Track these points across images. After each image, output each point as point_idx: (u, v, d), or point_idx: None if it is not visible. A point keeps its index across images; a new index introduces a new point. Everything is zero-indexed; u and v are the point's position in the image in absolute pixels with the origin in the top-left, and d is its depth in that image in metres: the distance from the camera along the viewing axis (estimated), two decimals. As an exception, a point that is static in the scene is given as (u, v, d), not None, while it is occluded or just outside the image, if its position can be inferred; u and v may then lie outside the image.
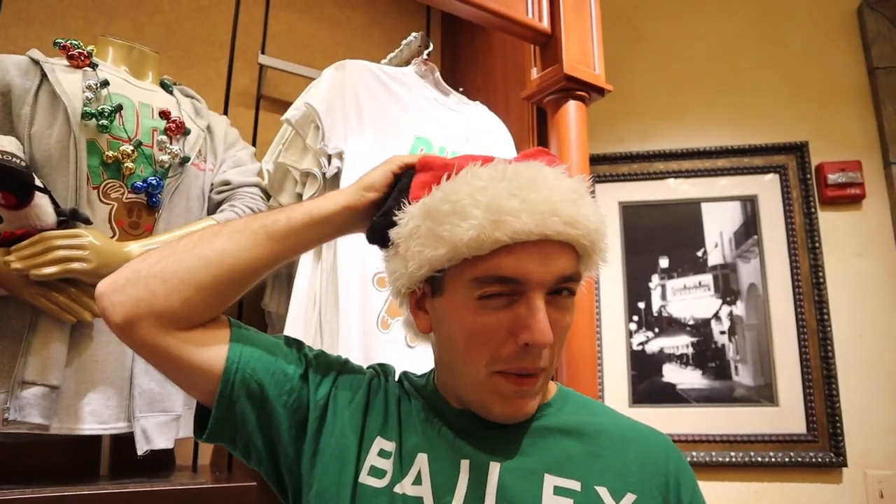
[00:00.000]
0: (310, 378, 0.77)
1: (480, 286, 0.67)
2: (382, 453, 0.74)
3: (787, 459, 1.88)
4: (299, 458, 0.75)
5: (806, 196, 2.05)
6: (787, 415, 1.92)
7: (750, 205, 2.07)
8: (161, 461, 1.33)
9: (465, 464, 0.71)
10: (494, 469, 0.70)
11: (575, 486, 0.69)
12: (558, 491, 0.69)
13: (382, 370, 0.86)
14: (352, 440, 0.75)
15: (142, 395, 1.20)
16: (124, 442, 1.23)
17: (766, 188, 2.09)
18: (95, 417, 1.16)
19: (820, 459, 1.88)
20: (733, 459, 1.88)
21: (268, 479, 0.78)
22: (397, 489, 0.71)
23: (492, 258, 0.65)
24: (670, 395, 1.94)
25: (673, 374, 1.96)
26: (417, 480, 0.71)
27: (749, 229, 2.06)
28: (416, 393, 0.81)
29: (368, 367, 0.86)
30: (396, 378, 0.86)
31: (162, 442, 1.22)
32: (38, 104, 1.18)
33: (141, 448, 1.18)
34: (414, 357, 1.34)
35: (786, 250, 2.04)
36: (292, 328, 1.33)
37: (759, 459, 1.88)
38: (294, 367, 0.76)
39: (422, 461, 0.72)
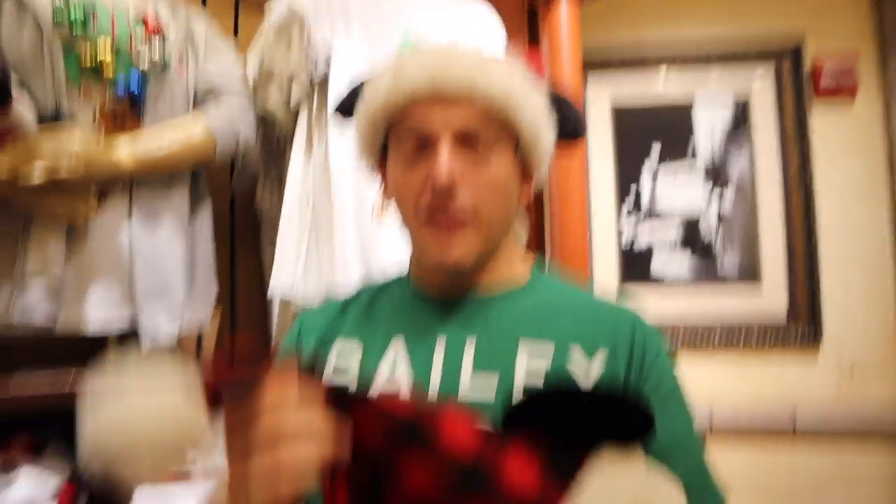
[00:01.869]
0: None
1: (399, 144, 0.77)
2: (342, 353, 0.80)
3: (766, 337, 1.97)
4: None
5: (798, 90, 2.02)
6: (770, 298, 1.98)
7: (742, 99, 2.05)
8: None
9: (441, 339, 0.77)
10: (470, 341, 0.75)
11: (548, 346, 0.74)
12: (533, 352, 0.74)
13: (314, 311, 0.89)
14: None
15: (143, 286, 1.24)
16: (128, 338, 1.28)
17: (760, 82, 2.06)
18: (98, 313, 1.20)
19: (800, 337, 1.96)
20: (718, 339, 1.97)
21: None
22: (371, 374, 0.76)
23: (404, 118, 0.75)
24: (658, 281, 2.01)
25: (661, 256, 2.02)
26: (394, 363, 0.76)
27: (740, 124, 2.05)
28: (378, 290, 0.87)
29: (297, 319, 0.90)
30: (354, 292, 0.89)
31: (168, 327, 1.27)
32: (2, 11, 1.14)
33: (146, 340, 1.24)
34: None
35: (777, 145, 2.04)
36: (286, 227, 1.37)
37: (743, 338, 1.97)
38: None
39: (398, 343, 0.78)
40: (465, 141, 0.74)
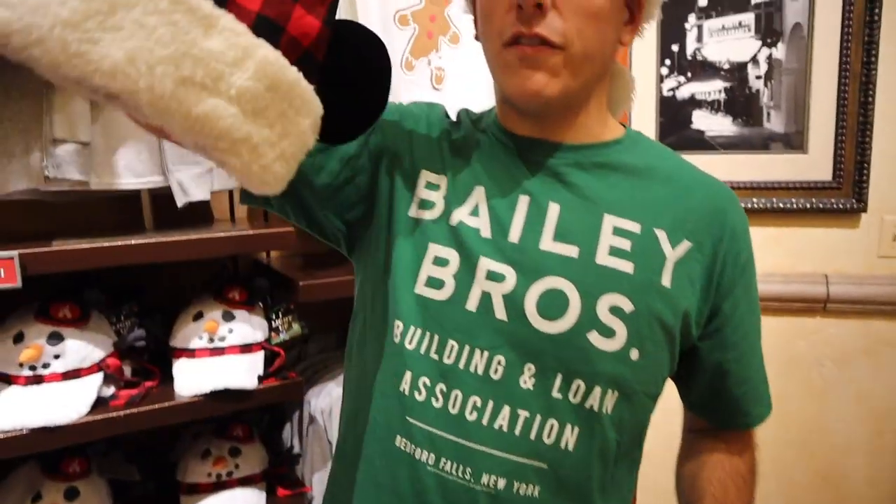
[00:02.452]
0: None
1: None
2: (430, 186, 0.75)
3: (808, 206, 1.91)
4: (349, 204, 0.78)
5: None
6: (814, 162, 1.90)
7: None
8: (199, 214, 1.39)
9: (523, 199, 0.72)
10: (554, 206, 0.71)
11: (634, 227, 0.70)
12: (617, 231, 0.70)
13: (427, 105, 0.84)
14: (397, 174, 0.76)
15: (172, 148, 1.21)
16: (162, 197, 1.27)
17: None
18: (131, 171, 1.18)
19: (842, 205, 1.90)
20: (756, 206, 1.91)
21: (310, 230, 0.82)
22: (452, 219, 0.72)
23: None
24: (698, 142, 1.91)
25: (702, 120, 1.92)
26: (474, 212, 0.72)
27: (800, -37, 1.86)
28: (472, 125, 0.80)
29: (410, 103, 0.84)
30: (455, 116, 0.83)
31: (199, 193, 1.25)
32: None
33: (180, 200, 1.22)
34: (441, 99, 1.31)
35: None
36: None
37: (782, 206, 1.91)
38: None
39: (479, 194, 0.73)
40: None
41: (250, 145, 0.51)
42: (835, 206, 1.90)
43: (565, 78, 0.67)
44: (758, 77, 1.90)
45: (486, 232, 0.71)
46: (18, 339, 1.11)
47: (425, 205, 0.75)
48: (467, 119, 0.82)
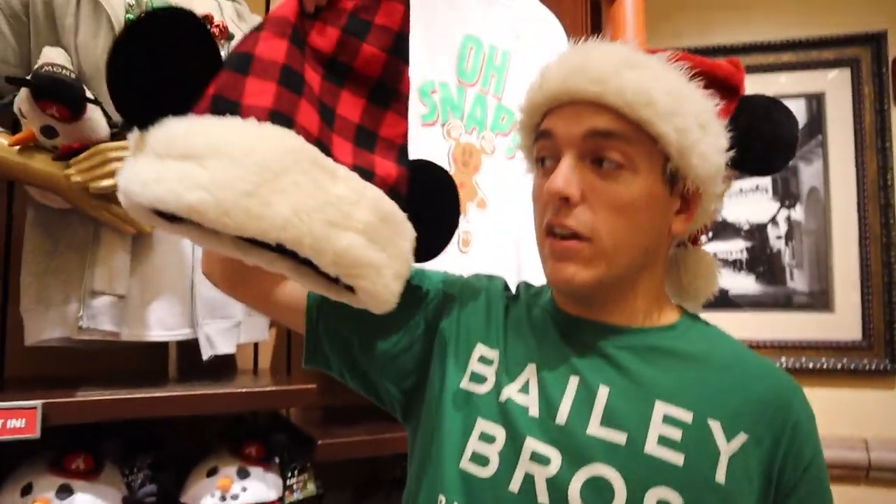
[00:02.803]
0: (411, 293, 0.80)
1: (535, 152, 0.73)
2: (483, 360, 0.76)
3: (839, 367, 1.87)
4: (406, 372, 0.80)
5: (879, 92, 1.92)
6: (842, 321, 1.89)
7: (815, 102, 1.96)
8: (224, 365, 1.40)
9: (574, 380, 0.70)
10: (604, 389, 0.69)
11: (686, 416, 0.67)
12: (668, 419, 0.67)
13: (487, 278, 0.86)
14: (452, 345, 0.78)
15: (203, 303, 1.24)
16: (189, 347, 1.28)
17: (835, 84, 1.96)
18: (162, 325, 1.20)
19: (875, 367, 1.85)
20: (784, 365, 1.87)
21: (367, 395, 0.85)
22: (502, 395, 0.72)
23: (540, 125, 0.72)
24: (723, 301, 1.92)
25: (726, 279, 1.93)
26: (524, 389, 0.72)
27: (813, 129, 1.95)
28: (529, 300, 0.81)
29: (472, 275, 0.87)
30: (514, 289, 0.86)
31: (224, 347, 1.27)
32: (80, 13, 1.15)
33: (206, 353, 1.24)
34: (467, 263, 1.34)
35: (852, 151, 1.93)
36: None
37: (811, 366, 1.87)
38: None
39: (530, 370, 0.73)
40: (594, 155, 0.67)
41: (375, 268, 0.64)
42: (867, 367, 1.85)
43: (598, 268, 0.68)
44: (778, 237, 1.93)
45: (534, 411, 0.70)
46: (27, 490, 1.08)
47: (477, 378, 0.74)
48: (525, 293, 0.83)
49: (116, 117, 1.14)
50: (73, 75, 1.08)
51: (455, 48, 1.35)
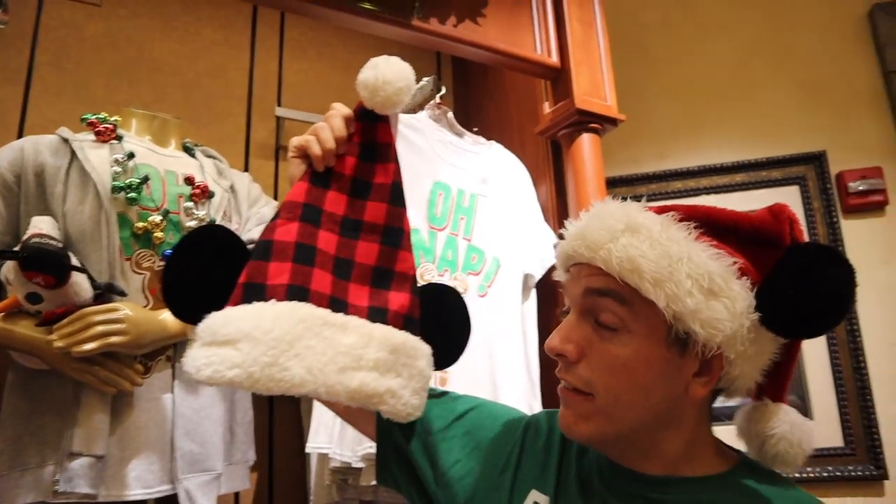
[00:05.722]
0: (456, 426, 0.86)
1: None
2: None
3: (825, 474, 1.86)
4: (456, 499, 0.81)
5: (827, 206, 2.03)
6: (822, 429, 1.90)
7: (770, 217, 2.06)
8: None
9: None
10: None
11: None
12: None
13: (546, 418, 0.86)
14: (506, 486, 0.79)
15: (183, 458, 1.23)
16: (169, 503, 1.26)
17: (787, 200, 2.06)
18: (140, 482, 1.19)
19: (860, 473, 1.85)
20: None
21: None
22: None
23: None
24: (703, 418, 1.92)
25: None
26: None
27: (773, 242, 2.04)
28: (579, 448, 0.80)
29: (532, 415, 0.88)
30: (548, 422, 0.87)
31: (205, 501, 1.25)
32: (69, 182, 1.22)
33: (185, 506, 1.22)
34: (485, 307, 1.37)
35: (810, 262, 2.01)
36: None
37: (797, 475, 1.86)
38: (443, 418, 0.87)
39: None
40: (592, 311, 0.68)
41: (391, 392, 0.76)
42: (853, 473, 1.85)
43: (598, 423, 0.68)
44: (750, 349, 1.97)
45: None
46: None
47: None
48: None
49: (100, 280, 1.18)
50: (59, 244, 1.13)
51: (425, 195, 1.43)
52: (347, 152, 0.85)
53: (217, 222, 1.37)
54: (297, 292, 0.76)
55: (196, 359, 0.69)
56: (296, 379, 0.71)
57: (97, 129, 1.30)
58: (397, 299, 0.82)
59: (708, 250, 0.65)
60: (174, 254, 0.77)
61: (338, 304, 0.78)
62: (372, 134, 0.86)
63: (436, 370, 0.83)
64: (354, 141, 0.85)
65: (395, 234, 0.85)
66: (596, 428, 0.68)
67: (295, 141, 0.84)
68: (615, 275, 0.65)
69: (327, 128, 0.83)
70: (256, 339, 0.70)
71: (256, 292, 0.74)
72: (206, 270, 0.77)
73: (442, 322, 0.87)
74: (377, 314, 0.80)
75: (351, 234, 0.84)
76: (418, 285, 0.85)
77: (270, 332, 0.70)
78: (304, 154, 0.83)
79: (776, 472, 0.71)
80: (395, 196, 0.86)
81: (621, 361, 0.66)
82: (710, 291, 0.63)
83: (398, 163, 0.87)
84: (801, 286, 0.63)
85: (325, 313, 0.76)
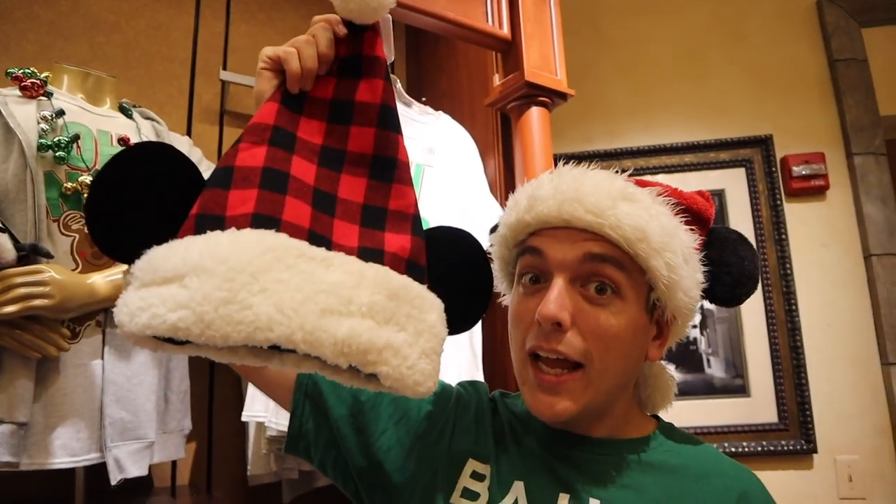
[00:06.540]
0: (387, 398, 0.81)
1: (518, 266, 0.74)
2: (476, 475, 0.75)
3: (759, 449, 1.93)
4: (382, 470, 0.78)
5: (772, 188, 2.08)
6: (759, 405, 1.96)
7: (717, 199, 2.10)
8: (139, 484, 1.33)
9: (563, 497, 0.70)
10: (594, 503, 0.68)
11: None
12: None
13: (473, 387, 0.86)
14: (442, 460, 0.77)
15: (113, 425, 1.20)
16: (98, 471, 1.23)
17: (733, 182, 2.12)
18: (66, 451, 1.16)
19: (792, 447, 1.92)
20: (707, 452, 1.91)
21: (345, 491, 0.82)
22: None
23: (527, 242, 0.72)
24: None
25: (646, 371, 1.99)
26: None
27: (717, 223, 2.08)
28: (509, 412, 0.81)
29: (457, 384, 0.87)
30: (490, 396, 0.85)
31: (135, 470, 1.22)
32: None
33: (114, 478, 1.19)
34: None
35: (753, 243, 2.06)
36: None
37: (734, 450, 1.92)
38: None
39: (518, 489, 0.72)
40: (586, 279, 0.68)
41: (393, 349, 0.58)
42: (785, 447, 1.92)
43: (587, 396, 0.68)
44: (694, 326, 2.02)
45: None
46: None
47: (470, 495, 0.73)
48: (503, 404, 0.82)
49: (25, 241, 1.13)
50: (-21, 202, 1.08)
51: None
52: (327, 71, 0.69)
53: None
54: (264, 222, 0.59)
55: (129, 303, 0.53)
56: (261, 319, 0.53)
57: (23, 84, 1.23)
58: (395, 241, 0.66)
59: (684, 225, 0.71)
60: (105, 170, 0.59)
61: (318, 239, 0.61)
62: (356, 46, 0.70)
63: (450, 333, 0.67)
64: (336, 55, 0.70)
65: (386, 165, 0.69)
66: (583, 403, 0.68)
67: (268, 51, 0.68)
68: (622, 240, 0.66)
69: (312, 43, 0.67)
70: (209, 270, 0.53)
71: (212, 224, 0.58)
72: (146, 196, 0.60)
73: (455, 273, 0.71)
74: (369, 255, 0.63)
75: (332, 165, 0.68)
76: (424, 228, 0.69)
77: (226, 261, 0.54)
78: (277, 68, 0.67)
79: (690, 434, 0.78)
80: (385, 119, 0.70)
81: (614, 330, 0.67)
82: (687, 262, 0.69)
83: (390, 81, 0.72)
84: (734, 263, 0.75)
85: (302, 244, 0.59)
